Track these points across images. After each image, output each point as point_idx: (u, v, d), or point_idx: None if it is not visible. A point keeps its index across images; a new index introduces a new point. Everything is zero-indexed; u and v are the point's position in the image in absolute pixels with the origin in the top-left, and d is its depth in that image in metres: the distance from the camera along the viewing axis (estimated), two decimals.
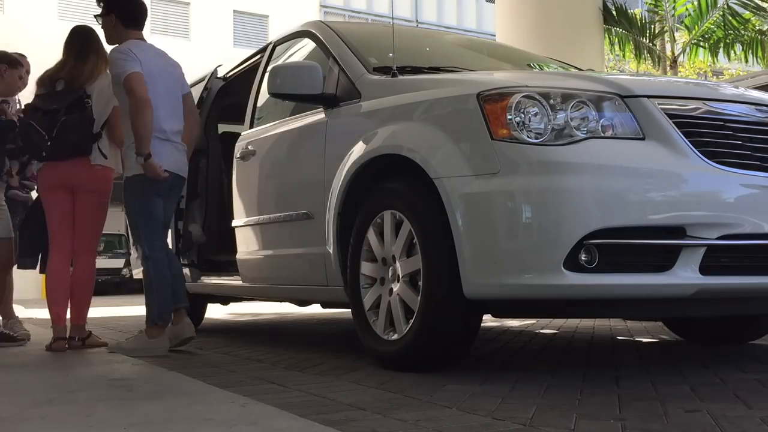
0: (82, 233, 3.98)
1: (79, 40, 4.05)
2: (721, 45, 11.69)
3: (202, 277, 4.69)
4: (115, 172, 4.06)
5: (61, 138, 3.80)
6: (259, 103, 4.16)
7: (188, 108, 3.95)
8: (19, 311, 7.62)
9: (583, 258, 2.29)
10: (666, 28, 12.51)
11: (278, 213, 3.64)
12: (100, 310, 8.32)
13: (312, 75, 3.27)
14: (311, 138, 3.42)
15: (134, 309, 7.92)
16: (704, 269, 2.33)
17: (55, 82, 3.97)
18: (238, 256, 4.06)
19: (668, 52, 12.64)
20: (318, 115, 3.41)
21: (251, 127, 4.10)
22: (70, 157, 3.88)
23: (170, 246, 4.10)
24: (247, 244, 3.98)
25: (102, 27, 3.85)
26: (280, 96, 3.39)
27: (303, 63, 3.42)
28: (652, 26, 12.24)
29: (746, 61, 11.95)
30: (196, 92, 5.10)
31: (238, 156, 4.09)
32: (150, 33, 19.09)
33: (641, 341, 3.87)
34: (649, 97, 2.49)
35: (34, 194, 4.52)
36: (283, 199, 3.66)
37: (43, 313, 7.15)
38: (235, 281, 4.22)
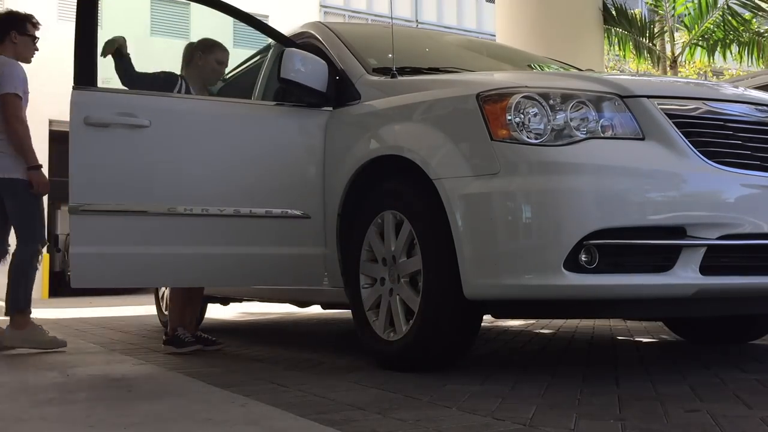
0: None
1: None
2: (719, 45, 11.69)
3: None
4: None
5: None
6: None
7: None
8: None
9: (583, 258, 2.29)
10: (666, 28, 12.50)
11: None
12: (98, 310, 8.32)
13: (322, 71, 3.24)
14: (311, 139, 3.41)
15: (136, 309, 7.91)
16: (704, 269, 2.33)
17: None
18: None
19: (668, 52, 12.64)
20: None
21: None
22: None
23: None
24: None
25: None
26: (291, 83, 3.21)
27: (316, 57, 3.28)
28: (652, 26, 12.23)
29: (741, 61, 11.94)
30: None
31: None
32: (150, 33, 19.10)
33: (641, 341, 3.86)
34: (648, 97, 2.49)
35: None
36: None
37: (43, 313, 7.14)
38: None
